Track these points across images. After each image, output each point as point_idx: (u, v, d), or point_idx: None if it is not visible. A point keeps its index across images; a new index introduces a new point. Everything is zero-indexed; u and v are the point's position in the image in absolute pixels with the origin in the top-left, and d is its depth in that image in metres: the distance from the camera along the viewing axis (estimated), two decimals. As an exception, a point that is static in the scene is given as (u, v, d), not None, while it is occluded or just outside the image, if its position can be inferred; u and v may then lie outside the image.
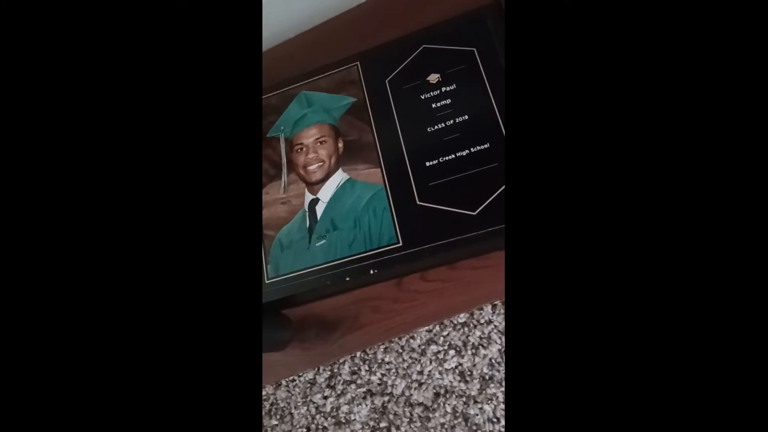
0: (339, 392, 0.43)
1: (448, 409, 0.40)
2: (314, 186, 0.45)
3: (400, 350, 0.43)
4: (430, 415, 0.40)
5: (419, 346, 0.42)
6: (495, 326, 0.40)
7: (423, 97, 0.44)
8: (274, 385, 0.45)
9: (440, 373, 0.41)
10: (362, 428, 0.42)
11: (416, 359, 0.42)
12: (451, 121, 0.42)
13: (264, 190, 0.46)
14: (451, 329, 0.42)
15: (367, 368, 0.43)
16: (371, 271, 0.40)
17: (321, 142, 0.46)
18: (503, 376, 0.39)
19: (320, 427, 0.43)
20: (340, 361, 0.44)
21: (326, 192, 0.44)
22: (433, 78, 0.44)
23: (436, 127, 0.43)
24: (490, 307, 0.41)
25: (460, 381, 0.40)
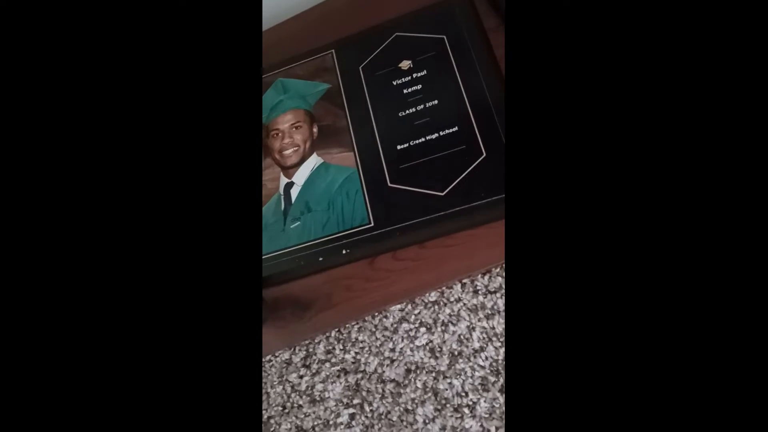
0: (314, 371, 0.44)
1: (419, 385, 0.41)
2: (289, 170, 0.46)
3: (374, 329, 0.44)
4: (402, 391, 0.41)
5: (392, 324, 0.43)
6: (464, 304, 0.42)
7: (395, 83, 0.45)
8: (251, 366, 0.46)
9: (411, 350, 0.42)
10: (336, 405, 0.43)
11: (389, 337, 0.43)
12: (422, 106, 0.44)
13: (240, 175, 0.47)
14: (422, 307, 0.43)
15: (341, 347, 0.44)
16: (344, 251, 0.42)
17: (296, 128, 0.47)
18: (471, 351, 0.40)
19: (296, 405, 0.44)
20: (316, 340, 0.45)
21: (301, 175, 0.45)
22: (405, 64, 0.45)
23: (407, 111, 0.44)
24: (459, 285, 0.42)
25: (430, 357, 0.41)
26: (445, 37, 0.45)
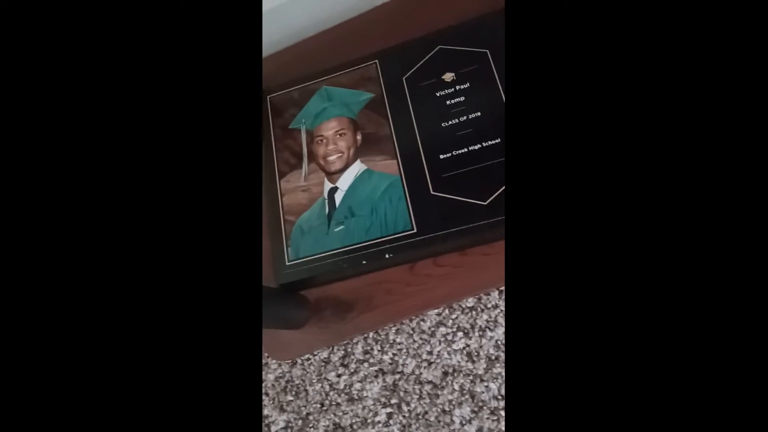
0: (352, 370, 0.46)
1: (456, 387, 0.42)
2: (333, 175, 0.47)
3: (411, 332, 0.45)
4: (439, 393, 0.43)
5: (429, 328, 0.45)
6: (501, 310, 0.43)
7: (438, 95, 0.47)
8: (290, 363, 0.48)
9: (449, 353, 0.43)
10: (374, 404, 0.44)
11: (426, 340, 0.44)
12: (465, 117, 0.45)
13: (285, 179, 0.49)
14: (459, 313, 0.44)
15: (379, 348, 0.46)
16: (386, 256, 0.43)
17: (340, 135, 0.48)
18: (508, 356, 0.42)
19: (334, 403, 0.45)
20: (354, 341, 0.46)
21: (345, 181, 0.47)
22: (448, 77, 0.47)
23: (450, 122, 0.45)
24: (497, 292, 0.44)
25: (467, 361, 0.43)
26: (488, 51, 0.46)
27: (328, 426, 0.45)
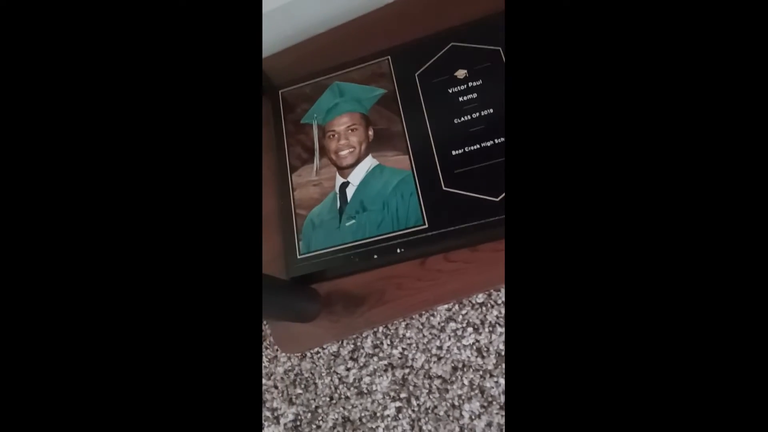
0: (361, 364, 0.46)
1: (465, 382, 0.43)
2: (345, 170, 0.48)
3: (421, 327, 0.45)
4: (448, 387, 0.43)
5: (439, 323, 0.45)
6: (511, 306, 0.43)
7: (450, 91, 0.47)
8: (300, 357, 0.48)
9: (458, 348, 0.44)
10: (383, 398, 0.44)
11: (436, 335, 0.45)
12: (477, 114, 0.45)
13: (297, 173, 0.49)
14: (469, 308, 0.45)
15: (389, 342, 0.46)
16: (398, 250, 0.43)
17: (352, 130, 0.49)
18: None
19: (343, 396, 0.46)
20: (363, 335, 0.47)
21: (356, 176, 0.47)
22: (461, 73, 0.47)
23: (462, 119, 0.46)
24: (507, 288, 0.44)
25: (477, 356, 0.43)
26: (500, 48, 0.46)
27: (337, 419, 0.45)
